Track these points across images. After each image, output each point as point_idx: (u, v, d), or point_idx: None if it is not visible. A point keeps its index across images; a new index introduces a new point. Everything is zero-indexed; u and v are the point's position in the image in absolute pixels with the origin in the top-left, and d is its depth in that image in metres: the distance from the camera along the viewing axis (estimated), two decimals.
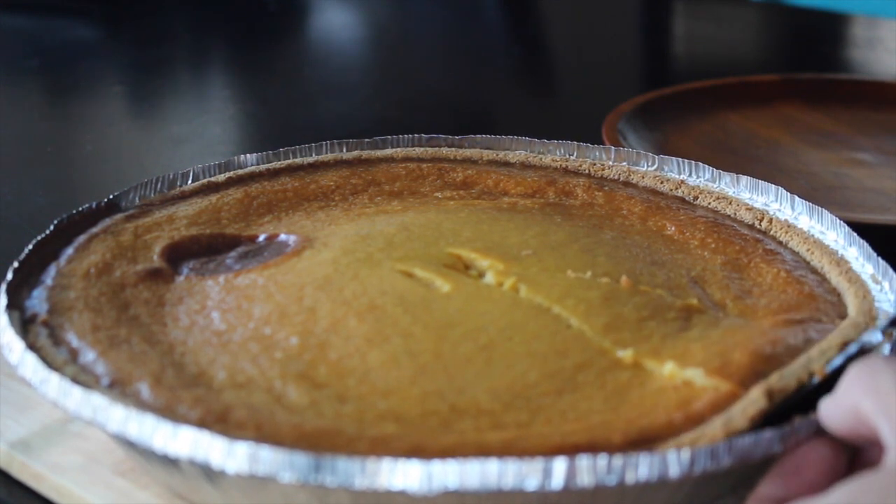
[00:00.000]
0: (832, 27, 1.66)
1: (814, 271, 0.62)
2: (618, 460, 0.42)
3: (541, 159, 0.76)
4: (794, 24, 1.70)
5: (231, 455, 0.43)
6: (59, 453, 0.55)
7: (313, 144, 0.75)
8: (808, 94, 1.10)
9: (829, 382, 0.50)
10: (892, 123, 1.05)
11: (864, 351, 0.53)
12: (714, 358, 0.51)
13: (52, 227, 0.62)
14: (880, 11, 1.62)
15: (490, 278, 0.58)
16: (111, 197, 0.66)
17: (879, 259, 0.60)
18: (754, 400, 0.47)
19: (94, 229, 0.63)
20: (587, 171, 0.75)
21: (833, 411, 0.45)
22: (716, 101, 1.07)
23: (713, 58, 1.54)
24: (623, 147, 0.83)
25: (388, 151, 0.76)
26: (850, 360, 0.52)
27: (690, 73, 1.47)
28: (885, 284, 0.58)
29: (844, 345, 0.52)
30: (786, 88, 1.11)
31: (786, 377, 0.49)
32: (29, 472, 0.55)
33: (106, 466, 0.54)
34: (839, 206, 0.83)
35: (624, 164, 0.75)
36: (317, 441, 0.46)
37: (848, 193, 0.88)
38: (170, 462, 0.47)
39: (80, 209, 0.64)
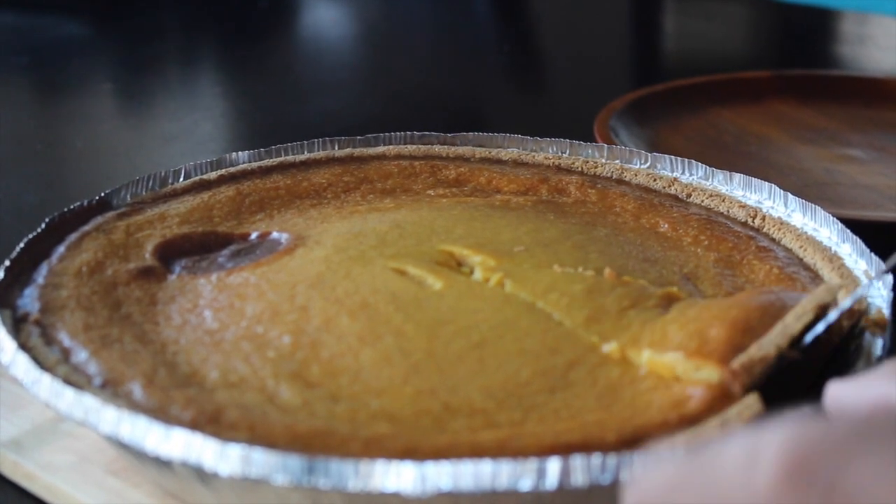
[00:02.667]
0: (823, 23, 1.66)
1: (806, 268, 0.62)
2: (612, 459, 0.42)
3: (533, 157, 0.76)
4: (785, 20, 1.70)
5: (224, 457, 0.43)
6: (50, 452, 0.55)
7: (305, 142, 0.75)
8: (800, 91, 1.11)
9: (810, 356, 0.50)
10: (883, 119, 1.05)
11: (851, 313, 0.53)
12: (692, 339, 0.51)
13: (43, 226, 0.61)
14: (871, 7, 1.63)
15: (478, 274, 0.58)
16: (103, 195, 0.66)
17: (872, 255, 0.60)
18: (749, 405, 0.47)
19: (86, 227, 0.63)
20: (580, 169, 0.75)
21: (851, 395, 0.42)
22: (707, 98, 1.07)
23: (704, 54, 1.54)
24: (615, 144, 0.83)
25: (381, 149, 0.76)
26: (831, 326, 0.52)
27: (681, 69, 1.47)
28: (878, 281, 0.58)
29: (821, 308, 0.52)
30: (777, 85, 1.11)
31: (764, 346, 0.49)
32: (21, 471, 0.55)
33: (98, 465, 0.54)
34: (831, 203, 0.83)
35: (617, 161, 0.75)
36: (310, 441, 0.46)
37: (840, 190, 0.88)
38: (162, 463, 0.46)
39: (72, 207, 0.64)
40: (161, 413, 0.47)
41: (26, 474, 0.54)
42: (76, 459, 0.54)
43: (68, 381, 0.49)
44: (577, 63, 1.47)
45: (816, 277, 0.61)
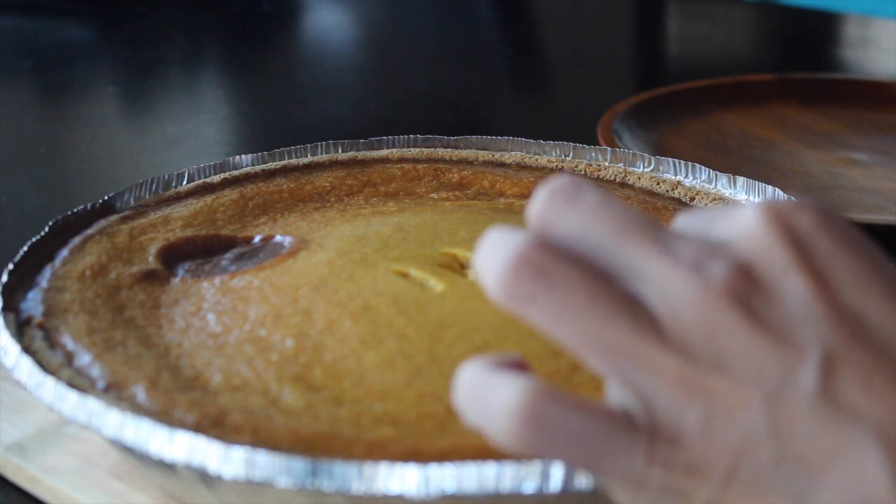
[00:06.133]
0: (826, 26, 1.67)
1: None
2: None
3: (537, 160, 0.76)
4: (789, 23, 1.70)
5: (227, 460, 0.43)
6: (54, 456, 0.55)
7: (308, 145, 0.75)
8: (803, 94, 1.11)
9: None
10: (887, 123, 1.05)
11: None
12: None
13: (46, 229, 0.61)
14: (874, 11, 1.63)
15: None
16: (106, 198, 0.66)
17: None
18: None
19: (90, 230, 0.63)
20: (583, 172, 0.75)
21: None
22: (711, 101, 1.07)
23: (708, 57, 1.54)
24: (618, 147, 0.83)
25: (384, 152, 0.76)
26: None
27: (685, 72, 1.47)
28: None
29: None
30: (781, 88, 1.11)
31: None
32: (24, 475, 0.54)
33: (102, 469, 0.54)
34: (835, 207, 0.83)
35: (620, 165, 0.75)
36: (314, 445, 0.46)
37: (844, 193, 0.88)
38: (166, 466, 0.46)
39: (75, 210, 0.64)
40: (165, 416, 0.47)
41: (30, 478, 0.54)
42: (80, 463, 0.54)
43: (72, 385, 0.49)
44: (580, 66, 1.47)
45: None
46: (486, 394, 0.37)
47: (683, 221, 0.39)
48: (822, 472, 0.33)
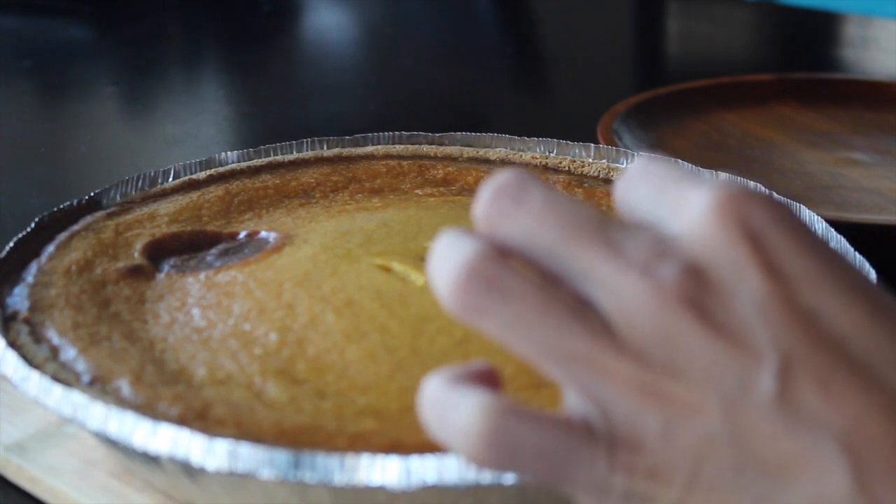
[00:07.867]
0: (826, 26, 1.67)
1: None
2: None
3: (521, 157, 0.77)
4: (789, 23, 1.70)
5: (211, 452, 0.44)
6: (54, 456, 0.55)
7: (294, 142, 0.75)
8: (803, 94, 1.10)
9: None
10: (887, 123, 1.05)
11: None
12: None
13: (33, 225, 0.62)
14: (874, 11, 1.62)
15: None
16: (92, 194, 0.66)
17: (856, 254, 0.60)
18: None
19: (76, 227, 0.63)
20: (567, 168, 0.76)
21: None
22: (711, 101, 1.07)
23: (708, 57, 1.54)
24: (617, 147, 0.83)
25: (369, 149, 0.76)
26: None
27: (685, 72, 1.47)
28: None
29: None
30: (781, 88, 1.11)
31: None
32: (24, 475, 0.54)
33: (102, 469, 0.54)
34: (835, 207, 0.83)
35: (604, 161, 0.76)
36: (297, 437, 0.46)
37: (844, 193, 0.88)
38: (150, 459, 0.47)
39: (61, 206, 0.64)
40: (149, 409, 0.48)
41: (30, 478, 0.54)
42: (80, 463, 0.54)
43: (57, 379, 0.49)
44: (580, 66, 1.47)
45: None
46: (447, 412, 0.36)
47: (629, 196, 0.39)
48: (784, 477, 0.33)
